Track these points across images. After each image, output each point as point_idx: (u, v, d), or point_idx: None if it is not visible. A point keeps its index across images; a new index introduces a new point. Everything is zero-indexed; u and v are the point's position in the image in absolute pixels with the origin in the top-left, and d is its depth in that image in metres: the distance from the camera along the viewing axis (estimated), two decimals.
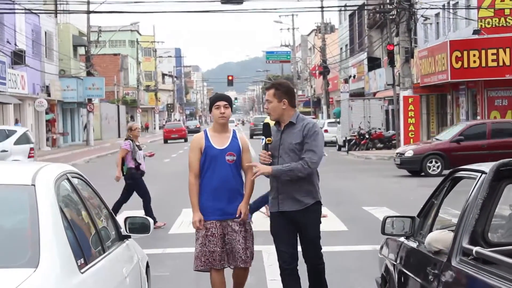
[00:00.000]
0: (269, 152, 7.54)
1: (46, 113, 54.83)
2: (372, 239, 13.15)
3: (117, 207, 16.09)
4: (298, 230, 7.64)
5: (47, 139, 55.93)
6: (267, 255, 11.89)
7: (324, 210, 15.64)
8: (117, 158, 16.18)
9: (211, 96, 8.14)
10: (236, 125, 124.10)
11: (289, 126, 7.58)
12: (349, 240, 13.73)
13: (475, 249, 4.85)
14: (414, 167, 27.22)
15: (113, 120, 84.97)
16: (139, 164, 15.93)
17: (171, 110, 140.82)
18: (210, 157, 7.69)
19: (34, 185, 4.98)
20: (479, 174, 5.47)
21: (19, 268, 4.44)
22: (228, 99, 7.90)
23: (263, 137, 7.65)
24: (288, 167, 7.40)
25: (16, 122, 46.21)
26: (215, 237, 7.71)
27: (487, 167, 5.43)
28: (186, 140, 68.07)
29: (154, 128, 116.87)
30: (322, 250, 7.83)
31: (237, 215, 7.73)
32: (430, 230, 6.10)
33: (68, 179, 5.60)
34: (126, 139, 16.02)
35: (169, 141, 69.11)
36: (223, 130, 7.80)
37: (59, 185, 5.28)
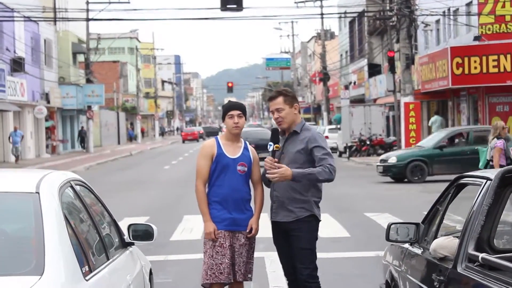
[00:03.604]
0: (276, 159, 7.39)
1: (46, 120, 54.86)
2: (375, 245, 13.15)
3: None
4: (290, 241, 7.52)
5: (47, 146, 55.95)
6: (269, 261, 11.89)
7: None
8: (494, 158, 15.98)
9: (224, 105, 7.87)
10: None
11: (293, 135, 7.51)
12: (352, 247, 13.73)
13: (481, 255, 4.85)
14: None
15: (112, 127, 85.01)
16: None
17: (171, 117, 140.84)
18: (221, 166, 7.48)
19: (38, 193, 4.99)
20: (484, 181, 5.48)
21: (24, 276, 4.46)
22: (241, 108, 7.67)
23: (271, 143, 7.44)
24: (310, 170, 7.24)
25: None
26: (224, 248, 7.43)
27: (492, 173, 5.44)
28: (197, 141, 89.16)
29: (154, 135, 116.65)
30: (318, 271, 7.54)
31: (247, 230, 7.53)
32: (435, 237, 6.09)
33: (71, 186, 5.61)
34: (498, 138, 15.89)
35: (186, 141, 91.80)
36: (235, 140, 7.60)
37: (63, 192, 5.30)
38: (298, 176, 7.24)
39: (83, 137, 63.91)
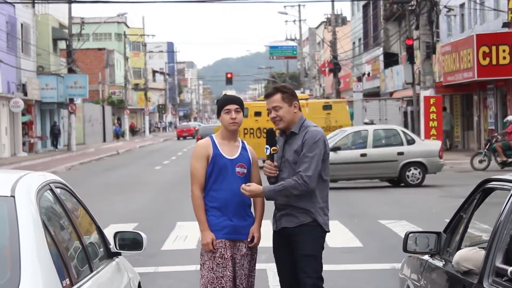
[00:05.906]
0: (275, 163, 7.47)
1: (23, 114, 54.86)
2: (391, 256, 13.16)
3: None
4: (292, 250, 7.55)
5: (24, 144, 55.97)
6: (272, 274, 11.89)
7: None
8: None
9: (219, 99, 7.88)
10: None
11: (292, 136, 7.57)
12: (365, 258, 13.73)
13: (510, 269, 4.84)
14: None
15: (97, 123, 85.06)
16: None
17: (163, 111, 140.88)
18: (219, 167, 7.49)
19: (13, 197, 4.98)
20: None
21: None
22: (239, 102, 7.68)
23: (267, 146, 7.52)
24: (281, 185, 7.34)
25: None
26: (225, 259, 7.41)
27: None
28: (194, 137, 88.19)
29: (144, 131, 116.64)
30: (325, 285, 7.55)
31: (249, 239, 7.55)
32: (459, 248, 6.09)
33: (51, 189, 5.60)
34: None
35: (180, 138, 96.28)
36: (232, 138, 7.63)
37: (41, 196, 5.28)
38: (270, 193, 7.38)
39: (56, 134, 63.72)
